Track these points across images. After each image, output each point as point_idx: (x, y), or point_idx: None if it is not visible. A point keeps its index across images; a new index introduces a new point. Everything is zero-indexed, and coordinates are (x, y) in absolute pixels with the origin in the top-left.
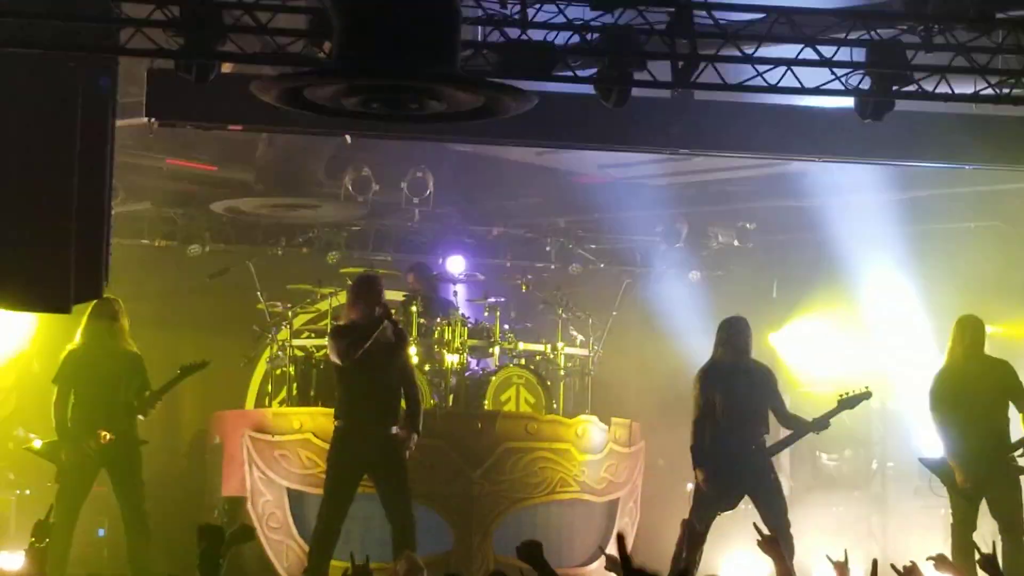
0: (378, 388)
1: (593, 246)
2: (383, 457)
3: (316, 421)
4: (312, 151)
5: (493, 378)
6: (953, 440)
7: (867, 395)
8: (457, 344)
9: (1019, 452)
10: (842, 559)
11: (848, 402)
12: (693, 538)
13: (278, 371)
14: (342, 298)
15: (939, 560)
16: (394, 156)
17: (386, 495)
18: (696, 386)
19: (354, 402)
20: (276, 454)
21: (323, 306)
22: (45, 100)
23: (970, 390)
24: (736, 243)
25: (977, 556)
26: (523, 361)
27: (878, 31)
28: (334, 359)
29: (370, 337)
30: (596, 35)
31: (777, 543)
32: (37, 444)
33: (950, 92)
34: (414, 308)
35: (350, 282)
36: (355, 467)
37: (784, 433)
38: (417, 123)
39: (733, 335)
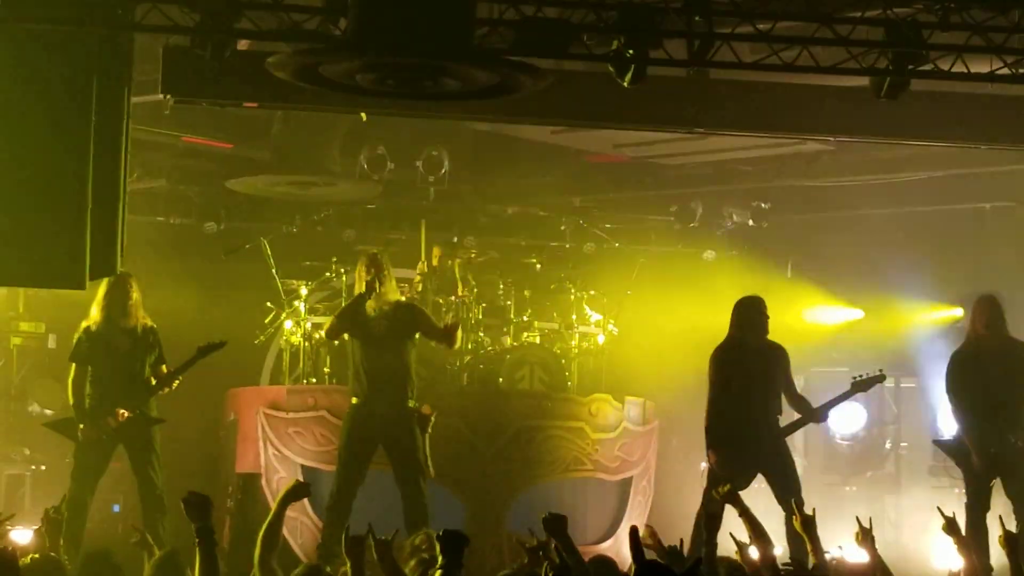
0: (391, 365)
1: (608, 225)
2: (398, 434)
3: (330, 398)
4: (327, 129)
5: (508, 356)
6: (969, 420)
7: (881, 378)
8: (472, 322)
9: None
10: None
11: (861, 385)
12: (711, 522)
13: (292, 348)
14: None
15: (948, 522)
16: (409, 134)
17: (400, 472)
18: (712, 366)
19: (368, 380)
20: (290, 431)
21: (338, 284)
22: (61, 77)
23: (987, 370)
24: (751, 223)
25: (1000, 533)
26: (538, 339)
27: (894, 10)
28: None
29: (346, 316)
30: (612, 13)
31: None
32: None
33: (966, 71)
34: (429, 286)
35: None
36: (368, 444)
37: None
38: (432, 100)
39: (749, 315)
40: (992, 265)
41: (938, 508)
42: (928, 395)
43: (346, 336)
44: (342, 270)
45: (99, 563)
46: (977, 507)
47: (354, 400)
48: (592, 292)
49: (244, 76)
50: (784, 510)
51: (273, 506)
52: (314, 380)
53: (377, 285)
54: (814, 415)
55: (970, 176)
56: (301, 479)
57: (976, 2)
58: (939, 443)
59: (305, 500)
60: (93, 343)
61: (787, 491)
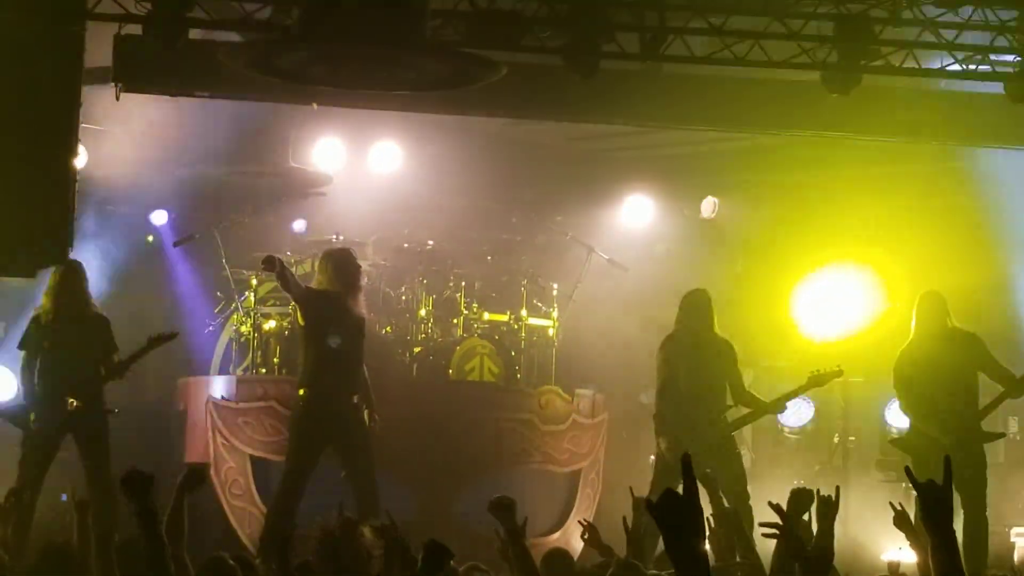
0: (344, 357)
1: (559, 217)
2: (347, 425)
3: (280, 388)
4: (278, 118)
5: (457, 348)
6: (919, 412)
7: (838, 373)
8: (422, 313)
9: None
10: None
11: (818, 379)
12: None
13: (242, 339)
14: (307, 267)
15: (899, 514)
16: (361, 125)
17: (350, 463)
18: (659, 356)
19: (319, 370)
20: (239, 421)
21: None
22: (12, 65)
23: (939, 362)
24: (703, 216)
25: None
26: (488, 331)
27: (846, 5)
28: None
29: (323, 303)
30: (564, 6)
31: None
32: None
33: (917, 67)
34: (380, 277)
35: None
36: (319, 437)
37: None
38: (385, 91)
39: (696, 308)
40: (938, 261)
41: (890, 503)
42: (875, 389)
43: (285, 324)
44: (292, 260)
45: (58, 556)
46: None
47: (302, 391)
48: (542, 284)
49: (196, 66)
50: (729, 503)
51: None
52: (264, 370)
53: (361, 288)
54: (772, 407)
55: (917, 172)
56: (250, 469)
57: None
58: (893, 442)
59: (254, 490)
60: (43, 332)
61: (732, 482)
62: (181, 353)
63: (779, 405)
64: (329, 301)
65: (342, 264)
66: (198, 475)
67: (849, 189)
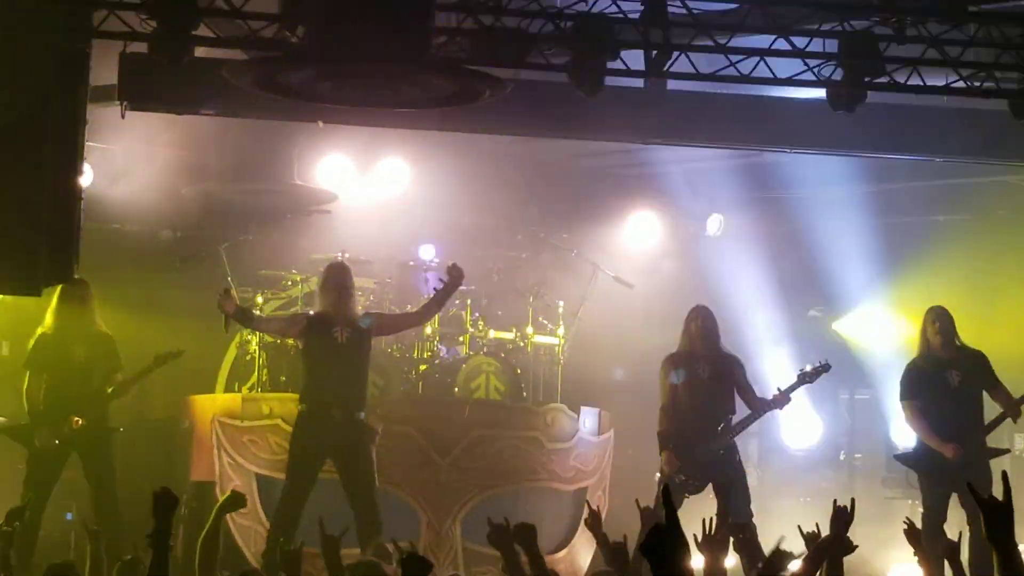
0: (344, 372)
1: (565, 235)
2: (347, 443)
3: (285, 407)
4: (284, 136)
5: (463, 366)
6: (926, 428)
7: (826, 368)
8: (428, 331)
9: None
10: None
11: (807, 376)
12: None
13: (248, 356)
14: (313, 284)
15: (909, 528)
16: (367, 142)
17: (349, 481)
18: (661, 372)
19: (318, 386)
20: (245, 439)
21: (294, 292)
22: (16, 82)
23: (944, 378)
24: (707, 233)
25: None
26: (493, 348)
27: (851, 22)
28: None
29: (301, 321)
30: (569, 23)
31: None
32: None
33: (922, 84)
34: (386, 295)
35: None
36: (317, 453)
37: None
38: (390, 108)
39: (699, 324)
40: (946, 278)
41: (906, 519)
42: (882, 406)
43: (291, 342)
44: (298, 279)
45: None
46: (933, 515)
47: (302, 407)
48: (548, 301)
49: (201, 84)
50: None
51: (210, 516)
52: (269, 388)
53: (349, 292)
54: (771, 404)
55: (924, 189)
56: (255, 488)
57: (932, 16)
58: (899, 457)
59: (260, 508)
60: (48, 350)
61: (735, 500)
62: (186, 371)
63: (777, 402)
64: (312, 322)
65: (328, 276)
66: (238, 500)
67: (855, 205)
